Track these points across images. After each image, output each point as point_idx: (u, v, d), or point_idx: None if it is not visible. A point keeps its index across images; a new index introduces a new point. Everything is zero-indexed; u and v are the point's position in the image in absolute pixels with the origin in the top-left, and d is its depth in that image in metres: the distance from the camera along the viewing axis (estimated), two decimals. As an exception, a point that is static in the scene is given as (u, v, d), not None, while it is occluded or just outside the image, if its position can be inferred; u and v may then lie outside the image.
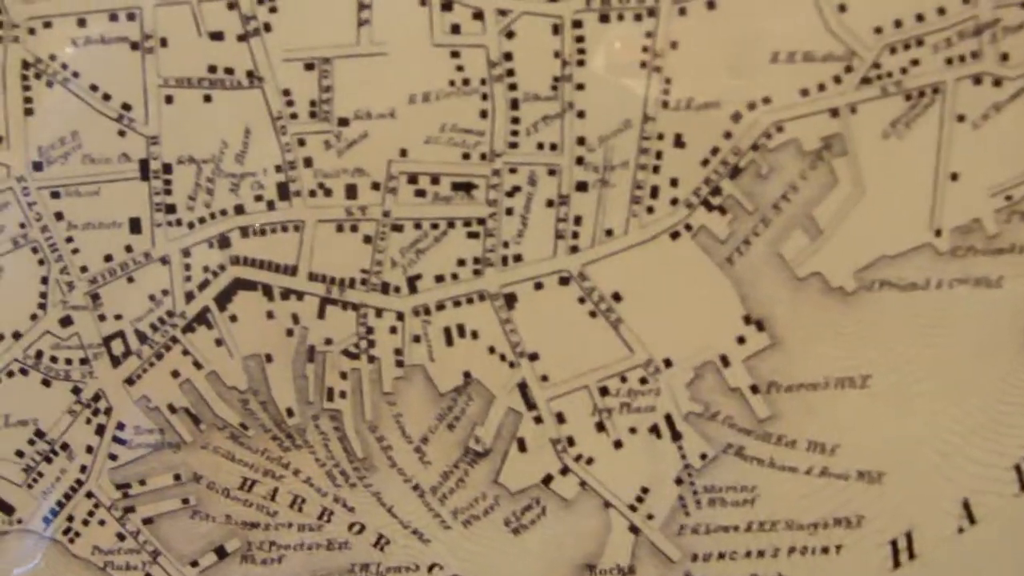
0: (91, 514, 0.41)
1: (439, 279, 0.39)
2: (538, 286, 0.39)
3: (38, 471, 0.41)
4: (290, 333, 0.40)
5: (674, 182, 0.38)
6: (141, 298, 0.39)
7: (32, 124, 0.38)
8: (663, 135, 0.38)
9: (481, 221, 0.39)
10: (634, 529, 0.41)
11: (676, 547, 0.41)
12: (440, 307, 0.39)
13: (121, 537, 0.42)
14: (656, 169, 0.38)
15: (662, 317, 0.39)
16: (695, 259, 0.38)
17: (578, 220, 0.38)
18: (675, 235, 0.38)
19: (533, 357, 0.40)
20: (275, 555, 0.42)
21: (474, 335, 0.40)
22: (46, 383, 0.40)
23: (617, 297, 0.39)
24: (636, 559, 0.41)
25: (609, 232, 0.38)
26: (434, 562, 0.42)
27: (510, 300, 0.39)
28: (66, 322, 0.40)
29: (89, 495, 0.41)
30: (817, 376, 0.39)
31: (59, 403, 0.40)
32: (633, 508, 0.41)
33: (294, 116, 0.38)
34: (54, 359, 0.40)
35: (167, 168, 0.38)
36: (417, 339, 0.40)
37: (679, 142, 0.38)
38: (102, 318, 0.40)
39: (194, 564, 0.42)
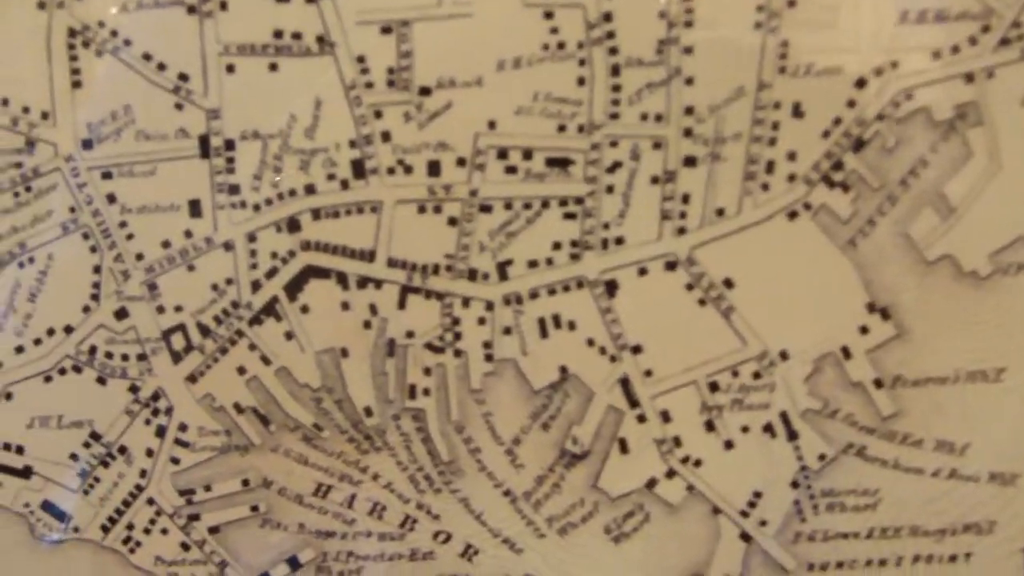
0: (152, 522, 0.39)
1: (532, 265, 0.36)
2: (642, 272, 0.36)
3: (95, 476, 0.39)
4: (368, 325, 0.37)
5: (792, 156, 0.35)
6: (203, 288, 0.37)
7: (80, 98, 0.36)
8: (780, 104, 0.34)
9: (579, 200, 0.36)
10: (745, 536, 0.38)
11: (791, 556, 0.38)
12: (533, 295, 0.37)
13: (185, 547, 0.40)
14: (772, 141, 0.35)
15: (778, 305, 0.36)
16: (814, 241, 0.35)
17: (686, 198, 0.35)
18: (793, 215, 0.35)
19: (636, 350, 0.37)
20: (353, 566, 0.40)
21: (571, 326, 0.37)
22: (101, 381, 0.38)
23: (729, 283, 0.36)
24: (747, 569, 0.39)
25: (720, 212, 0.35)
26: (527, 573, 0.40)
27: (611, 287, 0.36)
28: (121, 315, 0.38)
29: (150, 502, 0.39)
30: (947, 369, 0.36)
31: (116, 403, 0.38)
32: (744, 514, 0.38)
33: (369, 85, 0.35)
34: (109, 355, 0.38)
35: (229, 144, 0.36)
36: (508, 331, 0.37)
37: (797, 111, 0.34)
38: (160, 310, 0.37)
39: None
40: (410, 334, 0.37)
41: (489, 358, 0.37)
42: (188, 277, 0.37)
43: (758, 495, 0.38)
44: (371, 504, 0.39)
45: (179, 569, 0.40)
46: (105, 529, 0.39)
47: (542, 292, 0.37)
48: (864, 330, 0.36)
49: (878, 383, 0.37)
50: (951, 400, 0.37)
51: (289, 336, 0.37)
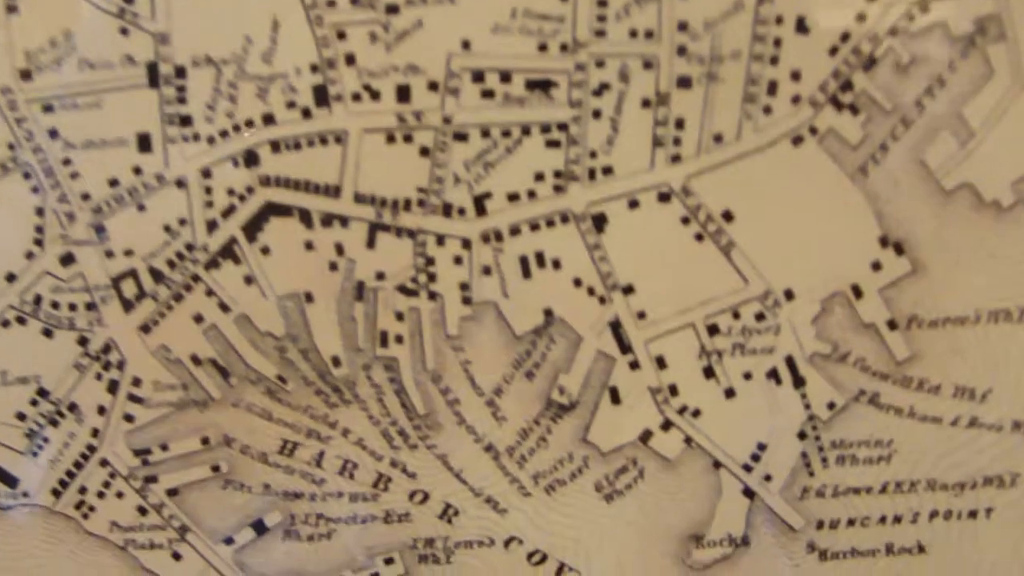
0: (107, 485, 0.37)
1: (512, 198, 0.34)
2: (633, 204, 0.34)
3: (43, 436, 0.37)
4: (334, 267, 0.35)
5: (796, 76, 0.32)
6: (155, 229, 0.34)
7: (16, 24, 0.33)
8: (782, 18, 0.32)
9: (562, 126, 0.33)
10: (749, 493, 0.36)
11: (798, 513, 0.36)
12: (514, 232, 0.34)
13: (143, 511, 0.37)
14: (774, 60, 0.32)
15: (782, 240, 0.34)
16: (822, 169, 0.33)
17: (680, 123, 0.33)
18: (797, 140, 0.33)
19: (628, 290, 0.34)
20: (323, 530, 0.37)
21: (556, 265, 0.34)
22: (47, 333, 0.36)
23: (728, 216, 0.34)
24: (751, 528, 0.37)
25: (718, 138, 0.33)
26: (512, 535, 0.37)
27: (599, 222, 0.34)
28: (67, 260, 0.35)
29: (103, 463, 0.37)
30: (966, 308, 0.34)
31: (64, 356, 0.36)
32: (748, 468, 0.36)
33: (331, 3, 0.32)
34: (55, 305, 0.35)
35: (180, 72, 0.33)
36: (487, 271, 0.34)
37: (802, 26, 0.32)
38: (110, 255, 0.35)
39: (228, 541, 0.38)
40: (380, 276, 0.35)
41: (467, 301, 0.35)
42: (138, 218, 0.34)
43: (762, 447, 0.36)
44: (341, 462, 0.37)
45: (137, 535, 0.37)
46: (56, 493, 0.37)
47: (524, 228, 0.34)
48: (876, 266, 0.34)
49: (892, 324, 0.34)
50: (971, 342, 0.34)
51: (249, 280, 0.35)
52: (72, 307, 0.35)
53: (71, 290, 0.35)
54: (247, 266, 0.35)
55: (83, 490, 0.37)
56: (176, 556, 0.38)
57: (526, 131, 0.33)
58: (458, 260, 0.35)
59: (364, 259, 0.35)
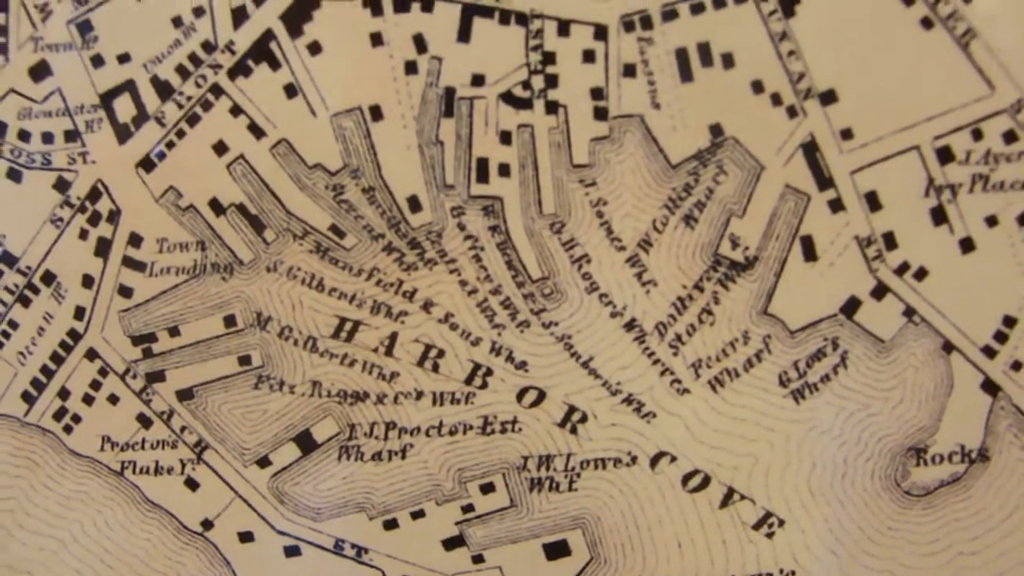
0: (96, 386, 0.31)
1: None
2: None
3: (9, 320, 0.31)
4: (412, 69, 0.28)
5: None
6: (160, 24, 0.29)
7: None
8: None
9: None
10: (990, 387, 0.29)
11: (1060, 417, 0.31)
12: (669, 15, 0.28)
13: (145, 422, 0.31)
14: None
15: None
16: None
17: None
18: None
19: (827, 98, 0.28)
20: (395, 446, 0.30)
21: (727, 62, 0.28)
22: (14, 175, 0.30)
23: (970, -8, 0.28)
24: (992, 437, 0.30)
25: None
26: (662, 450, 0.30)
27: (789, 0, 0.27)
28: (40, 72, 0.30)
29: (91, 355, 0.30)
30: None
31: (36, 207, 0.30)
32: (990, 352, 0.29)
33: None
34: (24, 135, 0.30)
35: None
36: (630, 71, 0.28)
37: None
38: (98, 62, 0.29)
39: (263, 463, 0.30)
40: (478, 80, 0.28)
41: (601, 115, 0.28)
42: (138, 9, 0.29)
43: (1010, 323, 0.29)
44: (421, 349, 0.30)
45: (137, 455, 0.31)
46: (29, 399, 0.31)
47: (682, 9, 0.28)
48: None
49: None
50: None
51: (292, 92, 0.28)
52: (47, 138, 0.30)
53: (45, 114, 0.30)
54: (289, 71, 0.28)
55: (64, 393, 0.31)
56: (191, 484, 0.31)
57: None
58: (589, 56, 0.28)
59: (455, 57, 0.28)
